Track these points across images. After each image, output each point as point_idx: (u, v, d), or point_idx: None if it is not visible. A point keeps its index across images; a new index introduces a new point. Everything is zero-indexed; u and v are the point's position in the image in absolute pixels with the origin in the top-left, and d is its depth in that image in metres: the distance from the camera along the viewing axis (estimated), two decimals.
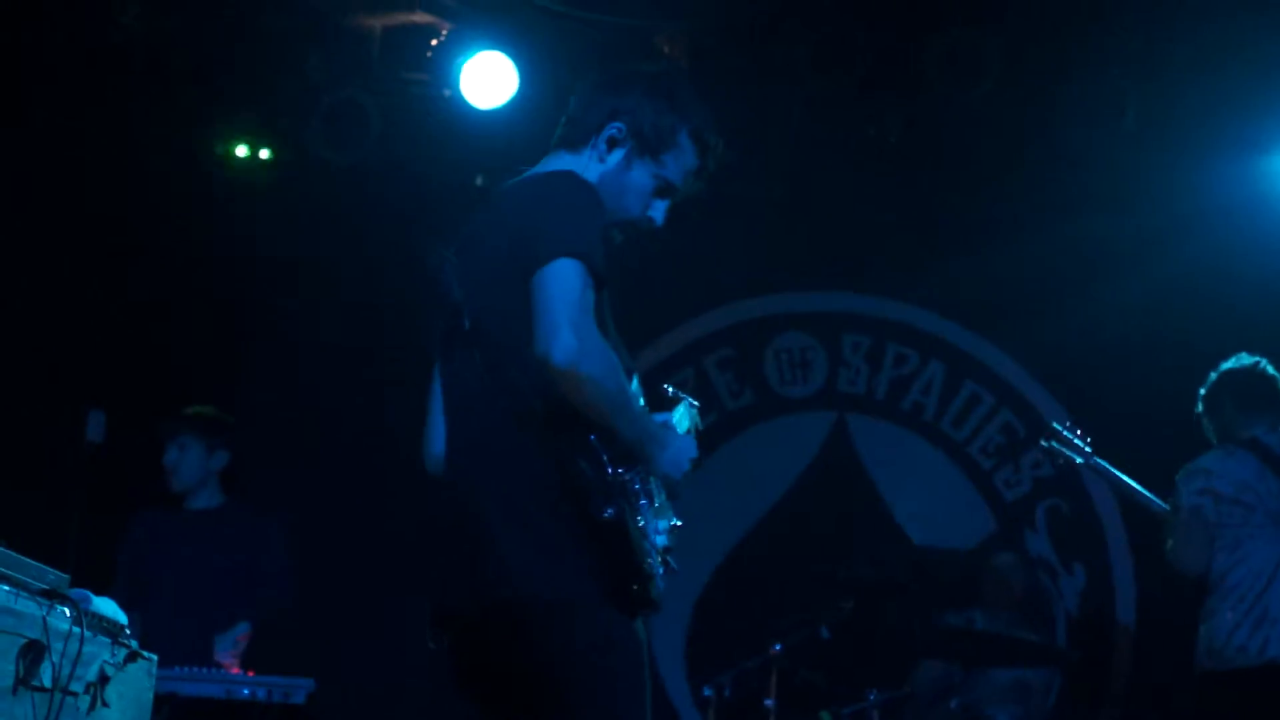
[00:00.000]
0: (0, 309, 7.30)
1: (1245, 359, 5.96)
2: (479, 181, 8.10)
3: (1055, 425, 6.45)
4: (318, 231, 8.19)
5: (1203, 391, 6.01)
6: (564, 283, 3.16)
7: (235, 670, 5.46)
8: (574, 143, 3.56)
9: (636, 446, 3.27)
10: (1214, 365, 6.10)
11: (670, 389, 3.69)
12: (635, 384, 3.41)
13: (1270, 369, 5.93)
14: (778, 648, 6.62)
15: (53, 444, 5.97)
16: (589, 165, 3.53)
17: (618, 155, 3.55)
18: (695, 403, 3.68)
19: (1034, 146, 8.01)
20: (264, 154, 8.15)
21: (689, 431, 3.56)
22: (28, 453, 6.50)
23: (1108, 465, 6.22)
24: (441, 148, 8.08)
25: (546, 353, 3.10)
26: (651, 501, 3.35)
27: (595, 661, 3.17)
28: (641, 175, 3.56)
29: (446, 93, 7.55)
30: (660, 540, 3.34)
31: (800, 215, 8.48)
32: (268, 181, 8.16)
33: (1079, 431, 6.37)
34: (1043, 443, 6.46)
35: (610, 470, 3.16)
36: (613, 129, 3.54)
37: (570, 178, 3.39)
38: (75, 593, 3.42)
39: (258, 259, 8.08)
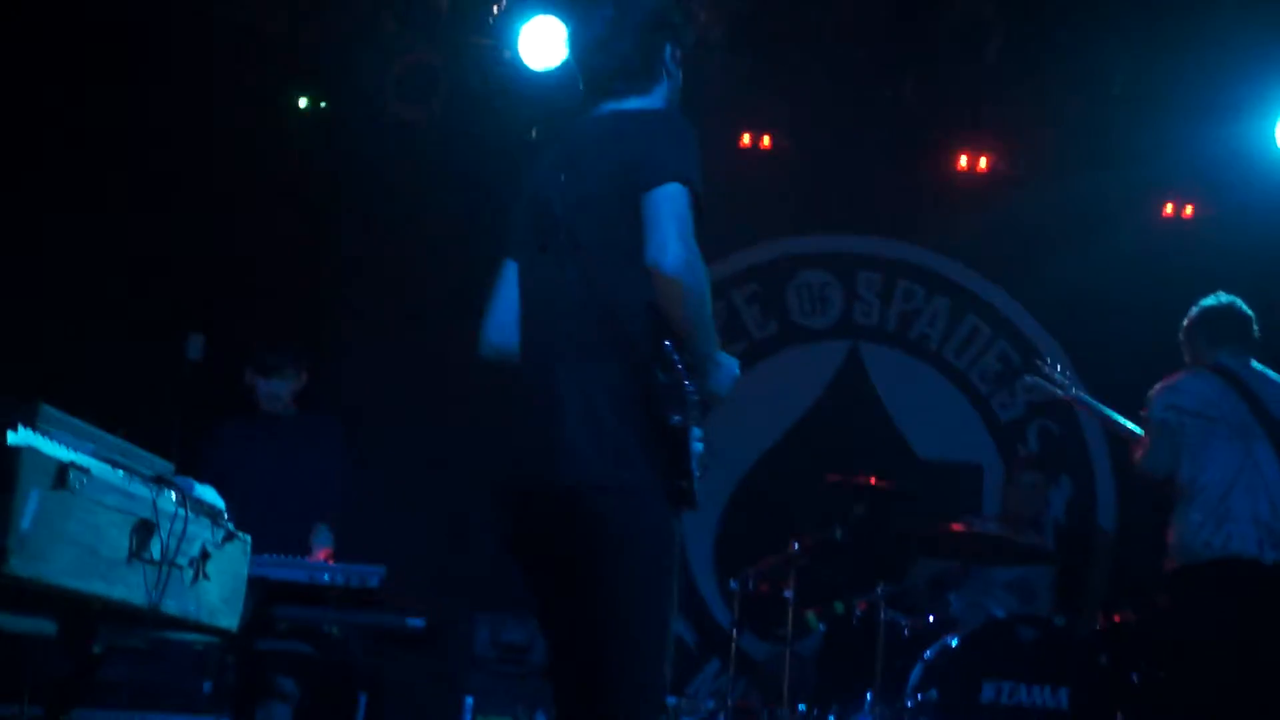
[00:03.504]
0: (124, 254, 7.43)
1: (1223, 297, 5.96)
2: (533, 135, 8.12)
3: (1039, 363, 6.49)
4: (392, 174, 8.19)
5: (1183, 323, 6.02)
6: (676, 202, 3.16)
7: (320, 559, 5.53)
8: (645, 89, 3.49)
9: (702, 361, 3.26)
10: (1185, 306, 6.11)
11: None
12: None
13: (1243, 308, 5.92)
14: (796, 547, 6.64)
15: (161, 361, 6.06)
16: (664, 90, 3.52)
17: (672, 66, 3.54)
18: None
19: (1032, 109, 8.00)
20: (342, 108, 8.18)
21: None
22: (141, 368, 6.61)
23: (1085, 396, 6.27)
24: (502, 104, 8.10)
25: (658, 261, 3.11)
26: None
27: (650, 545, 3.21)
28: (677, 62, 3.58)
29: (507, 54, 7.54)
30: (699, 447, 3.32)
31: (822, 166, 8.48)
32: (345, 131, 8.17)
33: (1059, 368, 6.41)
34: (1027, 379, 6.52)
35: (683, 380, 3.17)
36: (668, 52, 3.52)
37: (673, 116, 3.39)
38: (180, 480, 3.50)
39: (338, 204, 8.12)
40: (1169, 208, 8.46)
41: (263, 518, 5.65)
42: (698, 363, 3.24)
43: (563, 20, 7.30)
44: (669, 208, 3.16)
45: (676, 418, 3.16)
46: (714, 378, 3.34)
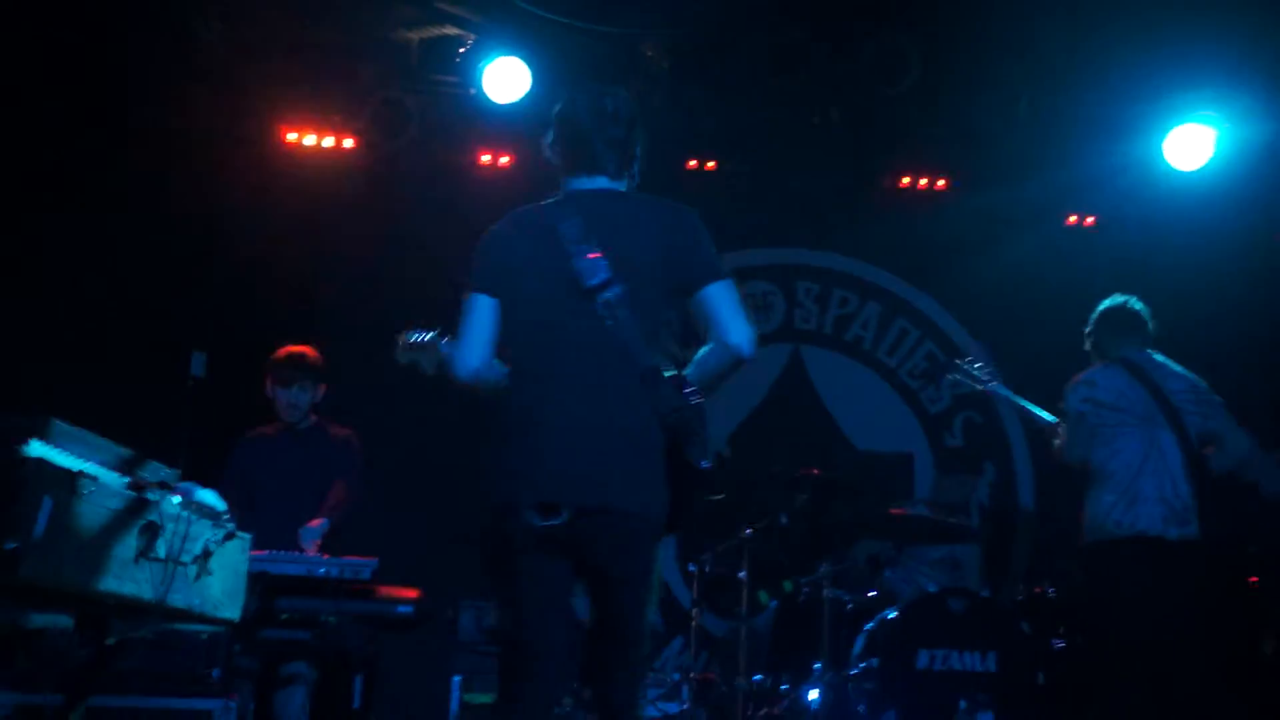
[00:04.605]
0: (128, 277, 7.39)
1: (1118, 298, 6.00)
2: (503, 161, 8.18)
3: (957, 361, 6.50)
4: (371, 200, 8.21)
5: (1087, 328, 6.06)
6: (736, 292, 3.56)
7: (314, 553, 5.49)
8: (622, 171, 3.73)
9: None
10: (1089, 305, 6.16)
11: None
12: None
13: (1137, 305, 5.96)
14: (748, 532, 6.65)
15: (165, 378, 6.00)
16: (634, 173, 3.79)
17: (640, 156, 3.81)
18: None
19: (948, 129, 8.05)
20: (326, 143, 8.16)
21: None
22: (146, 385, 6.55)
23: (1002, 389, 6.29)
24: (468, 135, 8.10)
25: (742, 344, 3.50)
26: None
27: (657, 564, 3.56)
28: None
29: (472, 91, 7.53)
30: None
31: (764, 186, 8.50)
32: (329, 165, 8.16)
33: (979, 364, 6.42)
34: (948, 375, 6.53)
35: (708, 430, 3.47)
36: (638, 147, 3.78)
37: (696, 214, 3.65)
38: (182, 485, 3.48)
39: (325, 225, 8.10)
40: (1073, 218, 8.55)
41: (281, 520, 5.64)
42: None
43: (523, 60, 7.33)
44: (735, 298, 3.55)
45: (705, 463, 3.44)
46: None
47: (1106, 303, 6.01)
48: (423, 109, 7.83)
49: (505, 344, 3.66)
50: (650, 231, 3.58)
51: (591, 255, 3.50)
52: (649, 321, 3.51)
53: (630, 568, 3.47)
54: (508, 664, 3.54)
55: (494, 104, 7.49)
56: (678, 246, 3.55)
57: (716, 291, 3.53)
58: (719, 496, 3.57)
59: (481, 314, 3.64)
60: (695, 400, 3.45)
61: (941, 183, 8.51)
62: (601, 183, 3.70)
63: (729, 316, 3.51)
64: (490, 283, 3.64)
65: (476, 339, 3.64)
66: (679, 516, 3.49)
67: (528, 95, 7.43)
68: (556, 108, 3.80)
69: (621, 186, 3.72)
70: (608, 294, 3.47)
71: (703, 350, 3.62)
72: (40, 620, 3.22)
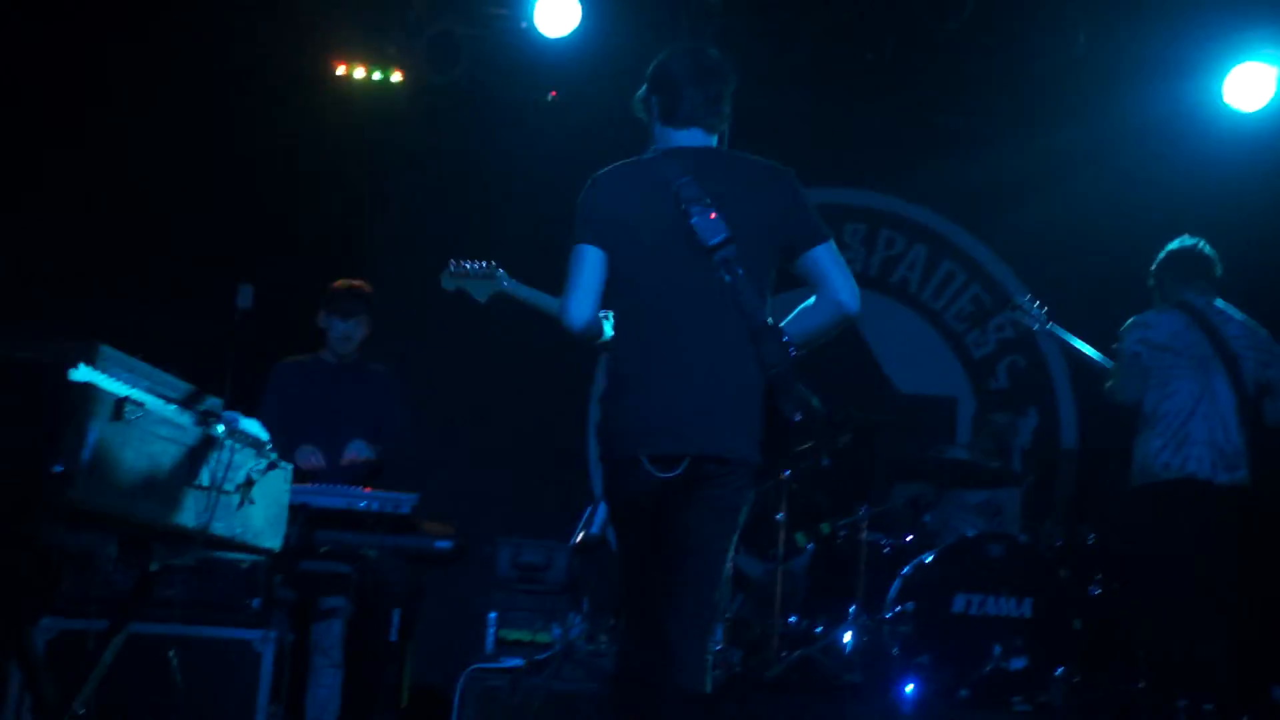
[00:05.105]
0: (177, 210, 7.47)
1: (1187, 240, 5.93)
2: (549, 98, 8.15)
3: (1017, 299, 6.46)
4: (421, 135, 8.23)
5: (1153, 267, 6.00)
6: (839, 253, 3.73)
7: (355, 486, 5.53)
8: (716, 127, 3.87)
9: None
10: (1139, 251, 6.09)
11: None
12: None
13: (1206, 249, 5.90)
14: (787, 473, 6.63)
15: (213, 310, 6.06)
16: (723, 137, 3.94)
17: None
18: None
19: (1003, 67, 7.95)
20: (375, 76, 8.16)
21: None
22: (194, 317, 6.60)
23: (1059, 329, 6.26)
24: (519, 69, 8.08)
25: (850, 304, 3.67)
26: None
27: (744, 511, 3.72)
28: None
29: (524, 24, 7.50)
30: None
31: (812, 125, 8.41)
32: (378, 98, 8.17)
33: (1037, 303, 6.39)
34: (1007, 312, 6.51)
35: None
36: (730, 106, 3.92)
37: (793, 174, 3.79)
38: (227, 414, 3.52)
39: (373, 160, 8.13)
40: (1128, 159, 8.41)
41: (324, 449, 5.70)
42: None
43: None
44: (839, 258, 3.73)
45: (799, 415, 3.59)
46: None
47: (1174, 244, 5.94)
48: (474, 42, 7.81)
49: (612, 296, 3.76)
50: (758, 193, 3.72)
51: (711, 215, 3.63)
52: (757, 279, 3.65)
53: (727, 513, 3.63)
54: (627, 605, 3.74)
55: (545, 37, 7.47)
56: (784, 210, 3.71)
57: (822, 253, 3.69)
58: (807, 446, 3.70)
59: (592, 265, 3.73)
60: (793, 354, 3.60)
61: (995, 123, 8.38)
62: (699, 137, 3.83)
63: (835, 276, 3.67)
64: (600, 235, 3.73)
65: (588, 290, 3.73)
66: (769, 466, 3.67)
67: (578, 29, 7.41)
68: (654, 64, 3.91)
69: (714, 141, 3.86)
70: (725, 252, 3.61)
71: (806, 303, 3.74)
72: (85, 545, 3.28)
